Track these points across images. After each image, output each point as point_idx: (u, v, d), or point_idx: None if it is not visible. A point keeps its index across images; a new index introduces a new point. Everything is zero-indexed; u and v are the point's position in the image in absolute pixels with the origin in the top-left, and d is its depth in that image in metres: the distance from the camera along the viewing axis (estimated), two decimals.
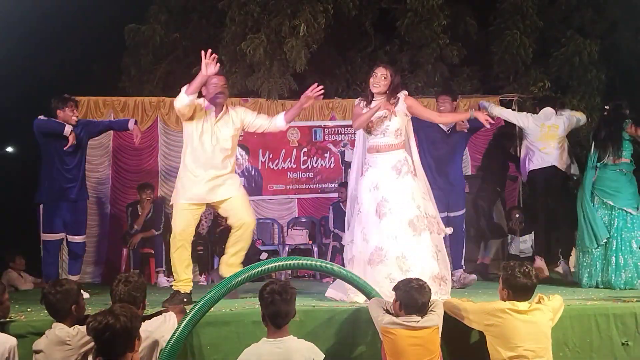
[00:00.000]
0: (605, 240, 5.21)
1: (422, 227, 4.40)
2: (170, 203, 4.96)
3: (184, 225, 4.68)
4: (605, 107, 5.61)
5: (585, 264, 5.34)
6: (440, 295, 4.23)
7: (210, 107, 4.80)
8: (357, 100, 4.83)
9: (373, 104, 4.62)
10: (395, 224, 4.35)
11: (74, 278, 5.47)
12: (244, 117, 4.90)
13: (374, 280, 4.11)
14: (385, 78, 4.55)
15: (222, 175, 4.73)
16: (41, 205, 5.61)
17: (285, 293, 3.16)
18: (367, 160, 4.62)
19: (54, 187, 5.40)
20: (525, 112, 6.40)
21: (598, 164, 5.36)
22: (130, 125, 5.61)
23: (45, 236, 5.47)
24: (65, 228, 5.48)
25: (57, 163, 5.40)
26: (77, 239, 5.52)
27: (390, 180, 4.46)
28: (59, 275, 5.66)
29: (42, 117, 5.42)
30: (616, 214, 5.23)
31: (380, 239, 4.34)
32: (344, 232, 7.22)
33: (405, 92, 4.71)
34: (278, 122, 4.90)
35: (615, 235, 5.19)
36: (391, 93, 4.60)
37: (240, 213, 4.77)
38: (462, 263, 5.73)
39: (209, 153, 4.69)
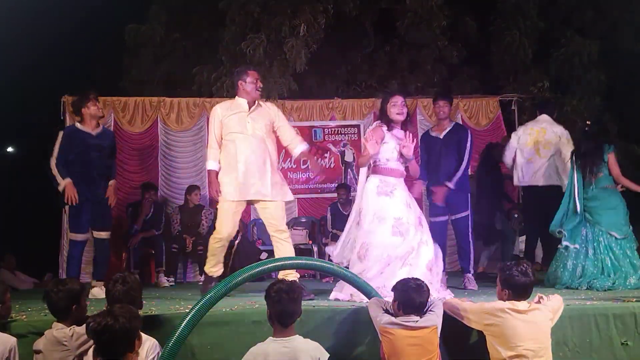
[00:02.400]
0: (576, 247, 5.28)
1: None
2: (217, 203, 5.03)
3: (231, 226, 4.91)
4: (587, 122, 5.65)
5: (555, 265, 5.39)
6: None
7: (238, 104, 4.91)
8: (375, 124, 4.89)
9: (396, 132, 4.73)
10: (426, 232, 4.63)
11: (99, 283, 5.45)
12: (276, 116, 5.01)
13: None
14: (405, 105, 4.74)
15: (263, 170, 4.83)
16: (66, 207, 5.58)
17: (292, 292, 3.17)
18: (393, 182, 4.67)
19: (78, 190, 5.33)
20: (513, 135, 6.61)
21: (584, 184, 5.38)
22: (111, 181, 5.57)
23: (72, 236, 5.46)
24: (91, 224, 5.49)
25: (78, 167, 5.36)
26: (103, 234, 5.51)
27: (412, 199, 4.72)
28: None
29: (55, 153, 5.35)
30: (598, 232, 5.26)
31: (415, 245, 4.55)
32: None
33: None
34: (296, 150, 5.07)
35: (585, 245, 5.24)
36: (405, 121, 4.79)
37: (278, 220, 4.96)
38: (471, 267, 5.67)
39: (247, 143, 4.79)
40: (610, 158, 5.34)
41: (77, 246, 5.44)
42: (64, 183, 5.28)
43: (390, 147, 4.67)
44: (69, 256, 5.50)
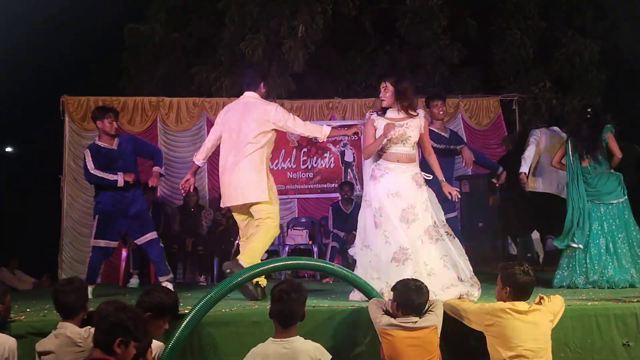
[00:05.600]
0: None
1: (437, 236, 4.51)
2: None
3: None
4: (588, 109, 5.47)
5: (565, 264, 5.34)
6: (471, 293, 4.28)
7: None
8: (367, 114, 4.85)
9: (388, 113, 4.67)
10: (421, 230, 4.46)
11: (164, 278, 5.45)
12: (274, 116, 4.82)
13: (398, 276, 4.07)
14: (386, 90, 4.62)
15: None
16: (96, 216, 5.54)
17: (295, 293, 3.16)
18: (386, 166, 4.60)
19: (107, 201, 5.40)
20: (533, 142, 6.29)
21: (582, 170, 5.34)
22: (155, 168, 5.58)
23: (95, 242, 5.39)
24: (127, 234, 5.59)
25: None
26: (148, 236, 5.47)
27: (412, 190, 4.54)
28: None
29: (89, 164, 5.38)
30: (598, 213, 5.25)
31: (407, 241, 4.39)
32: (344, 232, 7.29)
33: (424, 112, 4.81)
34: (324, 130, 4.91)
35: (602, 235, 5.22)
36: (402, 101, 4.63)
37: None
38: None
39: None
40: (610, 137, 5.29)
41: (97, 252, 5.38)
42: (118, 177, 5.35)
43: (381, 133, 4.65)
44: (90, 262, 5.44)
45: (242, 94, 4.98)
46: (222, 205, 4.95)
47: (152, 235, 5.47)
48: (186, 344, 3.48)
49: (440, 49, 9.20)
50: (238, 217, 4.88)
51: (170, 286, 4.99)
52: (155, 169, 5.57)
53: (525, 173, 6.12)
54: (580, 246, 5.22)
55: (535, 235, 7.22)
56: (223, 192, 4.79)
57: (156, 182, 5.55)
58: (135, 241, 5.60)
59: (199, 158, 4.99)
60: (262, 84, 4.96)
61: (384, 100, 4.63)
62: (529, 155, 6.16)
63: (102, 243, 5.36)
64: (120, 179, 5.34)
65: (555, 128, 6.32)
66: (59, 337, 3.23)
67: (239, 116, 4.77)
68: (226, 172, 4.74)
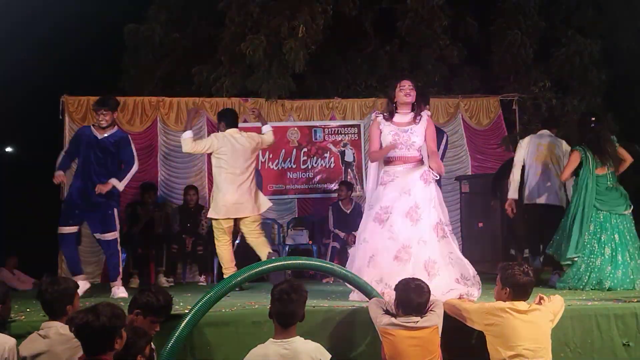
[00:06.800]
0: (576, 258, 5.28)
1: (442, 233, 4.55)
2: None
3: None
4: (592, 118, 5.55)
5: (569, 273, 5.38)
6: (471, 293, 4.28)
7: None
8: (373, 115, 4.93)
9: (396, 117, 4.76)
10: (426, 230, 4.50)
11: (112, 284, 5.47)
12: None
13: (398, 276, 4.11)
14: (412, 89, 4.74)
15: None
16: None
17: (295, 293, 3.16)
18: (393, 170, 4.68)
19: (74, 187, 5.46)
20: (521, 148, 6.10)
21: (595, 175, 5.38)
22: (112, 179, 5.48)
23: (60, 229, 5.44)
24: (91, 228, 5.61)
25: (80, 167, 5.50)
26: (107, 235, 5.46)
27: (420, 188, 4.60)
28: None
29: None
30: (609, 223, 5.28)
31: (410, 240, 4.43)
32: (344, 232, 7.29)
33: (429, 112, 4.89)
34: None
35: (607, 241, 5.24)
36: (417, 106, 4.77)
37: None
38: None
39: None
40: (620, 149, 5.43)
41: (66, 238, 5.41)
42: (56, 175, 5.44)
43: (388, 138, 4.70)
44: (63, 252, 5.62)
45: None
46: (222, 217, 5.76)
47: (111, 235, 5.45)
48: (186, 344, 3.48)
49: (440, 49, 9.19)
50: (229, 223, 5.79)
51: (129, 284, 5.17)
52: (112, 180, 5.38)
53: (514, 199, 5.93)
54: (576, 258, 5.27)
55: None
56: (226, 206, 5.71)
57: (101, 190, 5.29)
58: (95, 235, 5.58)
59: (189, 135, 5.72)
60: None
61: (410, 97, 4.71)
62: (515, 179, 5.97)
63: (64, 230, 5.39)
64: (56, 174, 5.39)
65: (544, 132, 6.11)
66: (51, 336, 3.21)
67: (234, 149, 5.68)
68: (230, 192, 5.67)
